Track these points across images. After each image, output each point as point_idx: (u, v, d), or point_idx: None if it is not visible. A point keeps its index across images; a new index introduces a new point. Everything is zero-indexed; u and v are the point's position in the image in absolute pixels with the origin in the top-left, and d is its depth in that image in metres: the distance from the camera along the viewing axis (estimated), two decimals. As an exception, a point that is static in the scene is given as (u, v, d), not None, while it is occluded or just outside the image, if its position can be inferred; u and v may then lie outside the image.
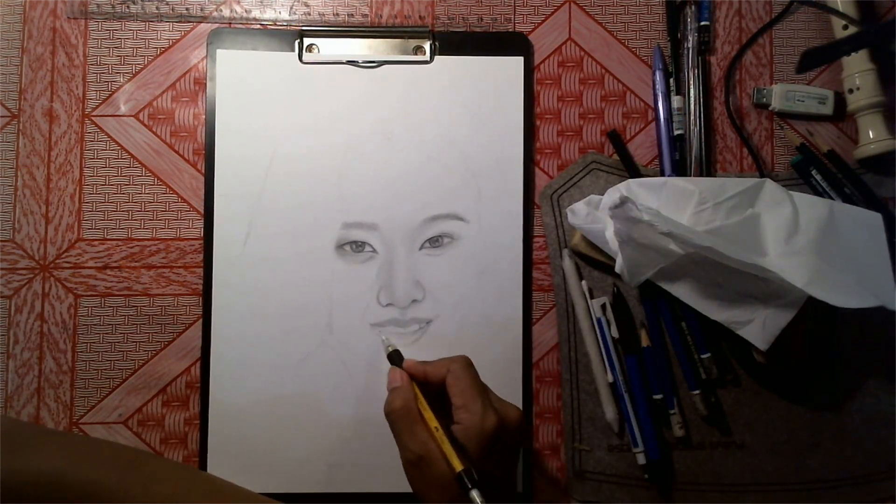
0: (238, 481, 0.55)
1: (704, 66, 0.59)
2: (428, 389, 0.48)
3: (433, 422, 0.45)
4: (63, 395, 0.57)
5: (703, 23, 0.59)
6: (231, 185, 0.57)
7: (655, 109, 0.58)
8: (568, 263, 0.57)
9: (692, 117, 0.58)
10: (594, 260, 0.56)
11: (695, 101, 0.58)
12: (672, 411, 0.55)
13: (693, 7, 0.59)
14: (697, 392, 0.55)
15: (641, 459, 0.55)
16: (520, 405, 0.56)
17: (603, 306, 0.56)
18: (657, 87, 0.58)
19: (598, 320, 0.56)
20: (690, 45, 0.59)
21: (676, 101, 0.58)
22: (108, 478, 0.41)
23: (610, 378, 0.56)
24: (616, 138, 0.58)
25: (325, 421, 0.56)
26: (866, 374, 0.57)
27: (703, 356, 0.55)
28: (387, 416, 0.47)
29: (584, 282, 0.57)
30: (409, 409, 0.46)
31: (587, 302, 0.56)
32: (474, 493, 0.41)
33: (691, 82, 0.58)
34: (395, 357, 0.51)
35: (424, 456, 0.44)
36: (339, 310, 0.57)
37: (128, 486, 0.41)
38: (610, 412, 0.56)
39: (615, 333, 0.56)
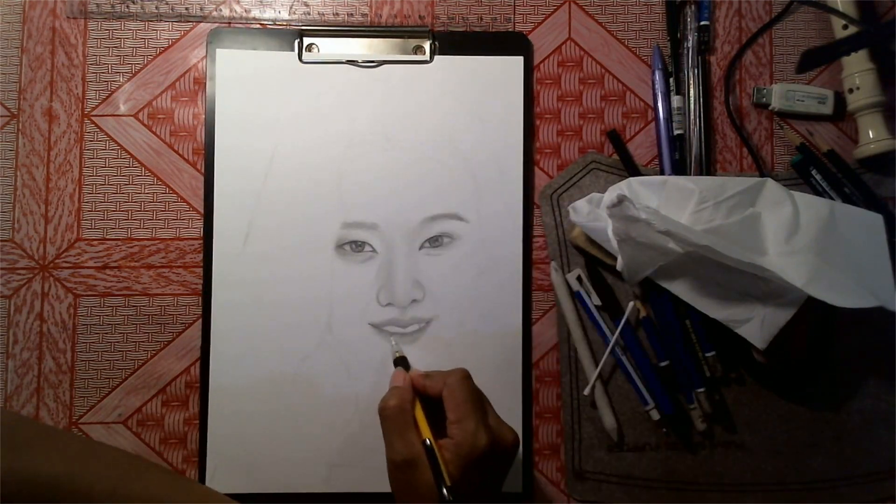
0: (238, 481, 0.56)
1: (704, 66, 0.59)
2: (427, 400, 0.48)
3: (426, 432, 0.45)
4: (62, 394, 0.57)
5: (702, 22, 0.59)
6: (231, 184, 0.57)
7: (655, 109, 0.58)
8: (556, 277, 0.57)
9: (692, 117, 0.58)
10: (594, 257, 0.56)
11: (694, 100, 0.58)
12: (692, 406, 0.55)
13: (693, 7, 0.59)
14: (702, 390, 0.55)
15: (655, 415, 0.55)
16: (520, 406, 0.57)
17: (578, 278, 0.56)
18: (657, 86, 0.58)
19: (578, 293, 0.56)
20: (690, 44, 0.59)
21: (676, 100, 0.58)
22: (105, 484, 0.41)
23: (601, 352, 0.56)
24: (616, 138, 0.58)
25: (324, 421, 0.56)
26: (866, 374, 0.57)
27: (708, 354, 0.55)
28: (379, 413, 0.47)
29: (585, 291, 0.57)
30: (404, 410, 0.46)
31: (578, 315, 0.57)
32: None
33: (691, 82, 0.58)
34: (400, 363, 0.52)
35: (410, 460, 0.44)
36: (339, 309, 0.57)
37: (125, 494, 0.41)
38: (609, 420, 0.56)
39: (597, 301, 0.56)
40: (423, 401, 0.48)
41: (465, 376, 0.48)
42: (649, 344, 0.56)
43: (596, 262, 0.57)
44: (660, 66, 0.58)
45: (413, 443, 0.45)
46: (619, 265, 0.52)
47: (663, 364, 0.55)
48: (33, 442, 0.41)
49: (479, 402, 0.47)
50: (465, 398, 0.46)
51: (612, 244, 0.52)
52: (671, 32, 0.59)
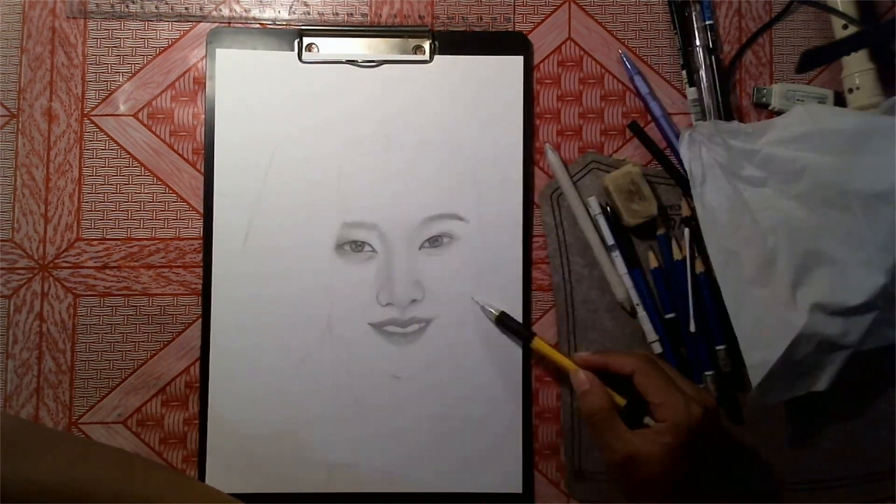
0: (237, 481, 0.56)
1: (719, 63, 0.59)
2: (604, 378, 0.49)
3: (620, 400, 0.47)
4: (62, 394, 0.57)
5: (708, 22, 0.59)
6: (230, 184, 0.57)
7: (649, 110, 0.58)
8: (553, 157, 0.57)
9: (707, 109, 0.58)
10: (616, 211, 0.56)
11: (709, 92, 0.58)
12: (719, 347, 0.55)
13: (697, 6, 0.59)
14: (711, 373, 0.55)
15: (658, 348, 0.55)
16: (520, 406, 0.56)
17: (601, 205, 0.57)
18: (640, 90, 0.58)
19: (597, 217, 0.56)
20: (699, 44, 0.58)
21: (691, 93, 0.58)
22: (108, 486, 0.41)
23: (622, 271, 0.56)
24: (637, 128, 0.58)
25: (324, 421, 0.56)
26: (866, 374, 0.57)
27: (719, 348, 0.55)
28: (588, 420, 0.48)
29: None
30: (609, 410, 0.47)
31: (581, 200, 0.57)
32: (648, 419, 0.45)
33: (704, 76, 0.58)
34: (505, 318, 0.50)
35: (633, 455, 0.44)
36: (339, 309, 0.57)
37: (128, 495, 0.41)
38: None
39: (610, 241, 0.56)
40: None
41: (652, 358, 0.49)
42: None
43: (616, 217, 0.56)
44: (636, 71, 0.58)
45: (629, 439, 0.45)
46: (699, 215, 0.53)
47: (669, 316, 0.56)
48: (33, 448, 0.41)
49: (670, 377, 0.47)
50: (661, 379, 0.46)
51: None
52: (680, 30, 0.58)
